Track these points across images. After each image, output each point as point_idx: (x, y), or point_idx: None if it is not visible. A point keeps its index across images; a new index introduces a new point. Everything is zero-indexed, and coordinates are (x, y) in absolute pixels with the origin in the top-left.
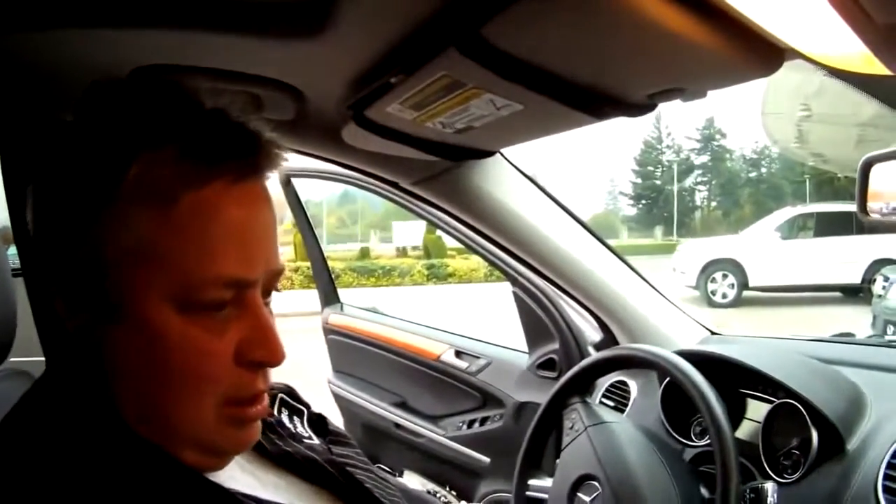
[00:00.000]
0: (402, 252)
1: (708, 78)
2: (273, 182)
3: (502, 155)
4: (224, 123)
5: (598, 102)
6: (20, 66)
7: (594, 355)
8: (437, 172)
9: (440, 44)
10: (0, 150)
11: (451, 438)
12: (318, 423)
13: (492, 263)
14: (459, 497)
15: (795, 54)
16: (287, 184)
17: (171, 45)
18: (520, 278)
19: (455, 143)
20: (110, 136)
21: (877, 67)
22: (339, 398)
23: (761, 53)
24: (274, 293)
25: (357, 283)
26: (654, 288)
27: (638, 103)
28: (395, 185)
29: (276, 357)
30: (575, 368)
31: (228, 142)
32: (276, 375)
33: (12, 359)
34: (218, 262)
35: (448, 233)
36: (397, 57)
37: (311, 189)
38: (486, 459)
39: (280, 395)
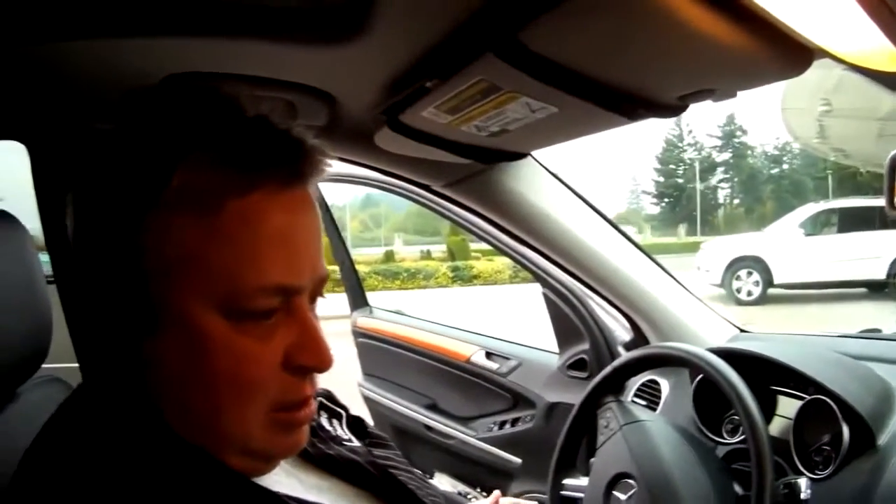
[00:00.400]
0: (427, 255)
1: (738, 79)
2: (315, 189)
3: (533, 157)
4: (267, 130)
5: (630, 104)
6: (53, 75)
7: (627, 354)
8: (469, 175)
9: (477, 49)
10: (32, 158)
11: (482, 440)
12: (357, 425)
13: (521, 265)
14: None
15: (824, 54)
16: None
17: (205, 52)
18: (549, 279)
19: (488, 146)
20: (153, 143)
21: None
22: (369, 401)
23: (790, 54)
24: (320, 299)
25: (382, 286)
26: (683, 286)
27: (669, 104)
28: (426, 187)
29: (324, 363)
30: (608, 368)
31: (272, 148)
32: None
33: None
34: (265, 270)
35: (478, 235)
36: (433, 62)
37: (334, 193)
38: (518, 460)
39: (319, 398)
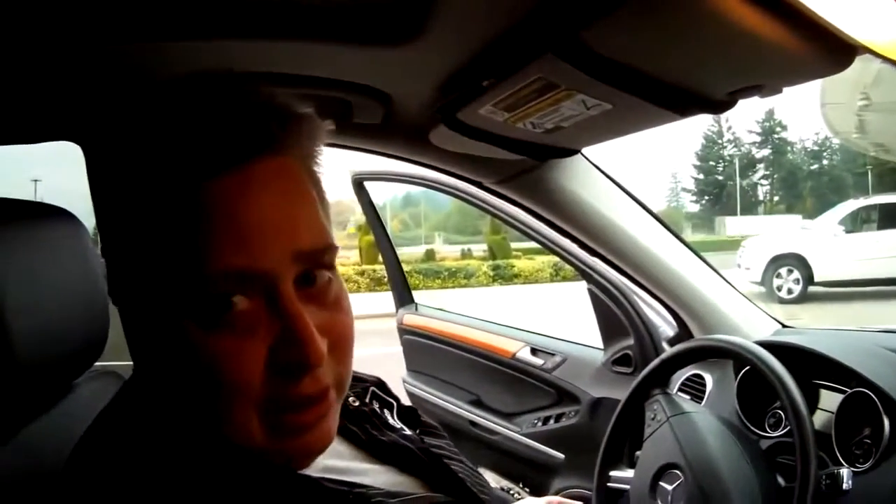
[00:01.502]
0: (467, 254)
1: (784, 75)
2: (331, 189)
3: (583, 154)
4: (220, 106)
5: (682, 100)
6: (108, 76)
7: (675, 347)
8: (521, 171)
9: (537, 49)
10: (88, 159)
11: (526, 435)
12: (409, 415)
13: (567, 261)
14: (533, 494)
15: (866, 50)
16: (360, 187)
17: (265, 53)
18: (595, 275)
19: (542, 143)
20: (127, 147)
21: None
22: (413, 397)
23: (833, 50)
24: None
25: (423, 285)
26: (726, 281)
27: (719, 100)
28: (478, 184)
29: (309, 357)
30: (656, 361)
31: (217, 129)
32: None
33: (117, 363)
34: (215, 254)
35: (524, 233)
36: (490, 61)
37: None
38: (561, 456)
39: (371, 387)
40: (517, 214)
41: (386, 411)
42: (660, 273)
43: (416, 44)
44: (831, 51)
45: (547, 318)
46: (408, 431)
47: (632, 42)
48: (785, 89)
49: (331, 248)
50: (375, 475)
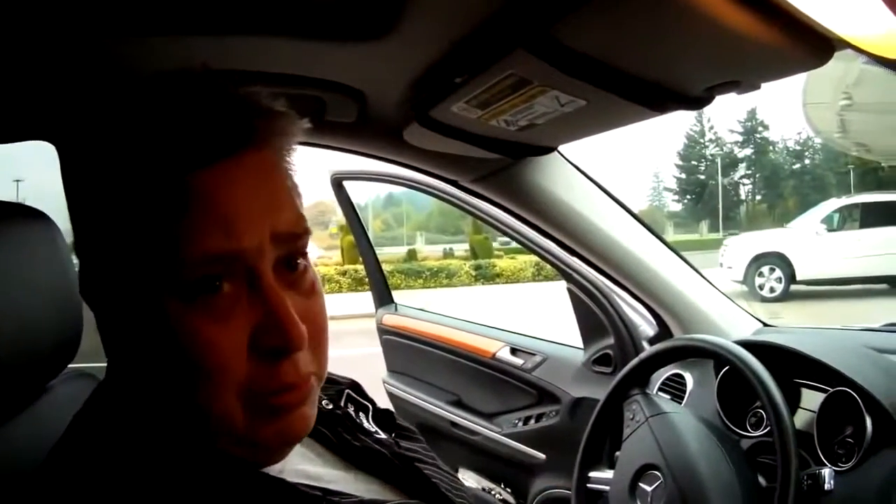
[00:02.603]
0: (449, 253)
1: (762, 70)
2: (313, 190)
3: (559, 152)
4: (200, 102)
5: (658, 96)
6: (82, 74)
7: (654, 346)
8: (496, 170)
9: (508, 44)
10: (62, 158)
11: (507, 435)
12: (385, 418)
13: (546, 260)
14: (514, 494)
15: (845, 44)
16: (339, 187)
17: (237, 50)
18: (574, 275)
19: (516, 140)
20: (108, 137)
21: None
22: (394, 397)
23: (812, 45)
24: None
25: (405, 284)
26: (707, 281)
27: (696, 96)
28: (454, 183)
29: (288, 341)
30: (635, 360)
31: (201, 123)
32: None
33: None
34: (195, 238)
35: (502, 231)
36: (462, 58)
37: (356, 192)
38: (542, 456)
39: (346, 390)
40: (496, 213)
41: (361, 414)
42: (639, 272)
43: (389, 40)
44: (810, 45)
45: (529, 317)
46: (382, 435)
47: (604, 37)
48: (764, 85)
49: (306, 233)
50: (346, 481)
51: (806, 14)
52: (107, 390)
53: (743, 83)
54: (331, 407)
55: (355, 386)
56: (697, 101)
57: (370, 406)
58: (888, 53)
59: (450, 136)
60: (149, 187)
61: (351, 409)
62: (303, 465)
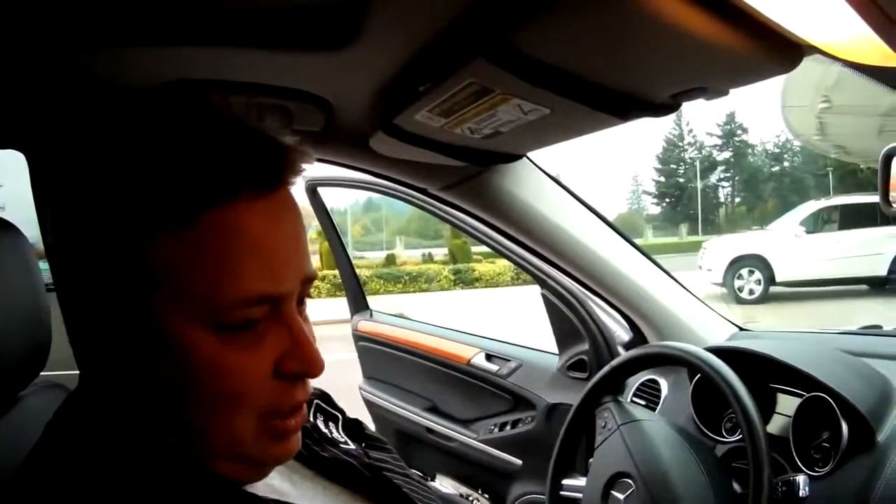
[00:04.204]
0: (428, 258)
1: (729, 76)
2: (297, 188)
3: (529, 158)
4: (242, 135)
5: (623, 104)
6: (52, 84)
7: (625, 354)
8: (465, 177)
9: (468, 53)
10: (31, 167)
11: (483, 441)
12: (354, 428)
13: (520, 266)
14: (492, 500)
15: (814, 50)
16: (313, 193)
17: (201, 60)
18: (549, 280)
19: (482, 148)
20: (128, 157)
21: (894, 61)
22: (370, 404)
23: (781, 50)
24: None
25: (384, 289)
26: (682, 286)
27: (662, 103)
28: (423, 191)
29: (314, 368)
30: (607, 367)
31: (247, 155)
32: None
33: (59, 372)
34: (245, 280)
35: (476, 238)
36: (425, 66)
37: (335, 197)
38: (519, 462)
39: (315, 400)
40: (470, 220)
41: (331, 424)
42: (611, 278)
43: (353, 49)
44: (778, 51)
45: (507, 321)
46: (351, 445)
47: (565, 45)
48: (742, 89)
49: (315, 277)
50: (315, 492)
51: (774, 20)
52: (80, 403)
53: (710, 89)
54: None
55: (324, 396)
56: (663, 108)
57: (339, 416)
58: (858, 59)
59: (415, 145)
60: (181, 216)
61: (320, 420)
62: (272, 478)
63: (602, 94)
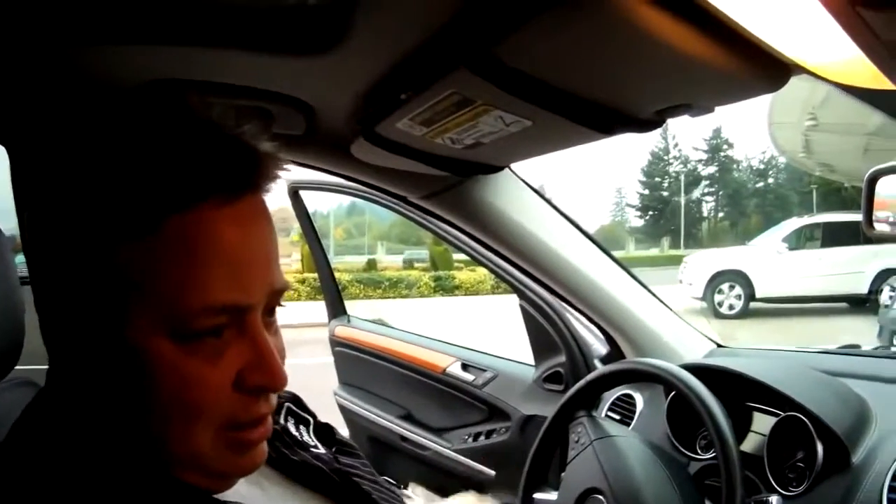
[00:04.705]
0: (409, 264)
1: (715, 94)
2: (275, 195)
3: (511, 170)
4: (213, 137)
5: (606, 119)
6: (34, 80)
7: (599, 369)
8: (446, 187)
9: (451, 62)
10: (12, 161)
11: (457, 451)
12: (325, 432)
13: (499, 277)
14: None
15: (801, 70)
16: (295, 196)
17: (184, 60)
18: (527, 291)
19: (464, 159)
20: (96, 159)
21: (883, 82)
22: (345, 410)
23: (768, 69)
24: (279, 308)
25: (364, 294)
26: (660, 301)
27: (646, 119)
28: (403, 199)
29: (276, 382)
30: (581, 382)
31: (216, 158)
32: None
33: (30, 367)
34: (209, 289)
35: (456, 246)
36: (407, 74)
37: (319, 200)
38: (492, 472)
39: (287, 403)
40: (450, 228)
41: (302, 427)
42: (589, 292)
43: (336, 54)
44: (765, 70)
45: (486, 330)
46: (321, 450)
47: (548, 58)
48: (723, 108)
49: (287, 288)
50: (285, 496)
51: (762, 39)
52: (47, 403)
53: (695, 106)
54: None
55: (296, 400)
56: (647, 124)
57: (311, 420)
58: (846, 80)
59: (396, 153)
60: (145, 221)
61: (291, 423)
62: (241, 483)
63: (585, 107)
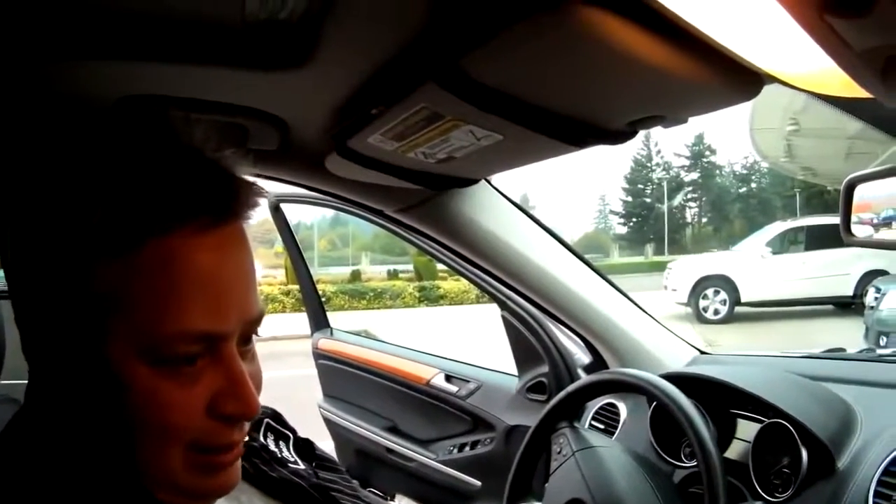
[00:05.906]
0: (394, 275)
1: (688, 105)
2: (259, 213)
3: (487, 181)
4: (195, 163)
5: (578, 132)
6: (7, 96)
7: (581, 380)
8: (421, 200)
9: (419, 77)
10: None
11: (442, 462)
12: (305, 448)
13: (480, 287)
14: None
15: (773, 80)
16: (276, 210)
17: (158, 76)
18: (508, 302)
19: (437, 172)
20: (76, 179)
21: (856, 91)
22: (329, 423)
23: (740, 80)
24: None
25: (348, 305)
26: (642, 309)
27: (618, 131)
28: (379, 213)
29: (248, 411)
30: (562, 394)
31: (197, 184)
32: (267, 399)
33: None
34: (185, 315)
35: (437, 258)
36: (377, 89)
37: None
38: (478, 483)
39: (266, 419)
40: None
41: (282, 443)
42: (570, 302)
43: (307, 69)
44: (738, 80)
45: (471, 340)
46: (301, 465)
47: (516, 72)
48: (704, 117)
49: (262, 317)
50: None
51: (732, 49)
52: (26, 421)
53: (668, 118)
54: (247, 438)
55: (275, 416)
56: (620, 136)
57: (291, 435)
58: (818, 89)
59: (370, 167)
60: (124, 241)
61: (270, 440)
62: (220, 502)
63: (556, 121)
